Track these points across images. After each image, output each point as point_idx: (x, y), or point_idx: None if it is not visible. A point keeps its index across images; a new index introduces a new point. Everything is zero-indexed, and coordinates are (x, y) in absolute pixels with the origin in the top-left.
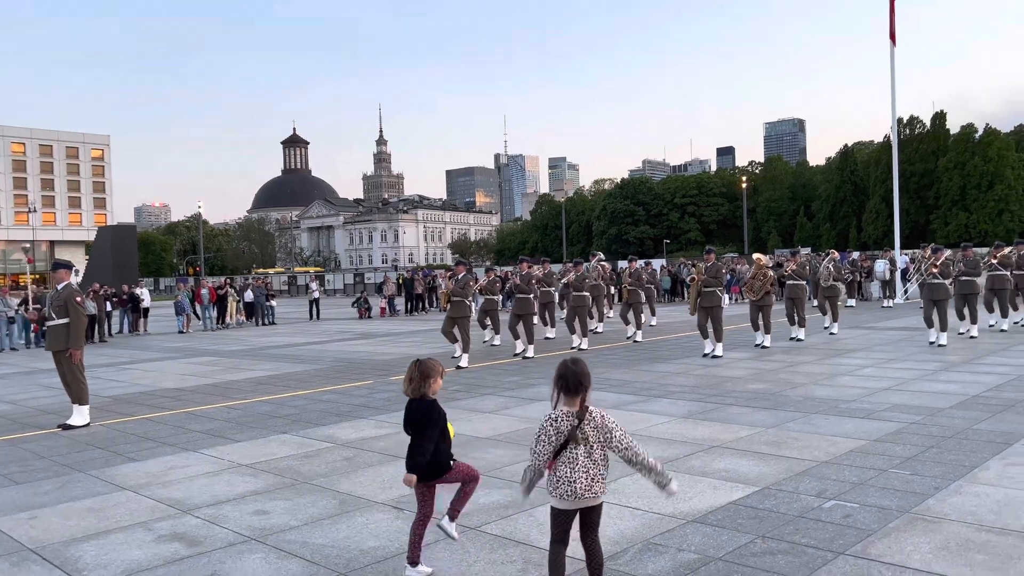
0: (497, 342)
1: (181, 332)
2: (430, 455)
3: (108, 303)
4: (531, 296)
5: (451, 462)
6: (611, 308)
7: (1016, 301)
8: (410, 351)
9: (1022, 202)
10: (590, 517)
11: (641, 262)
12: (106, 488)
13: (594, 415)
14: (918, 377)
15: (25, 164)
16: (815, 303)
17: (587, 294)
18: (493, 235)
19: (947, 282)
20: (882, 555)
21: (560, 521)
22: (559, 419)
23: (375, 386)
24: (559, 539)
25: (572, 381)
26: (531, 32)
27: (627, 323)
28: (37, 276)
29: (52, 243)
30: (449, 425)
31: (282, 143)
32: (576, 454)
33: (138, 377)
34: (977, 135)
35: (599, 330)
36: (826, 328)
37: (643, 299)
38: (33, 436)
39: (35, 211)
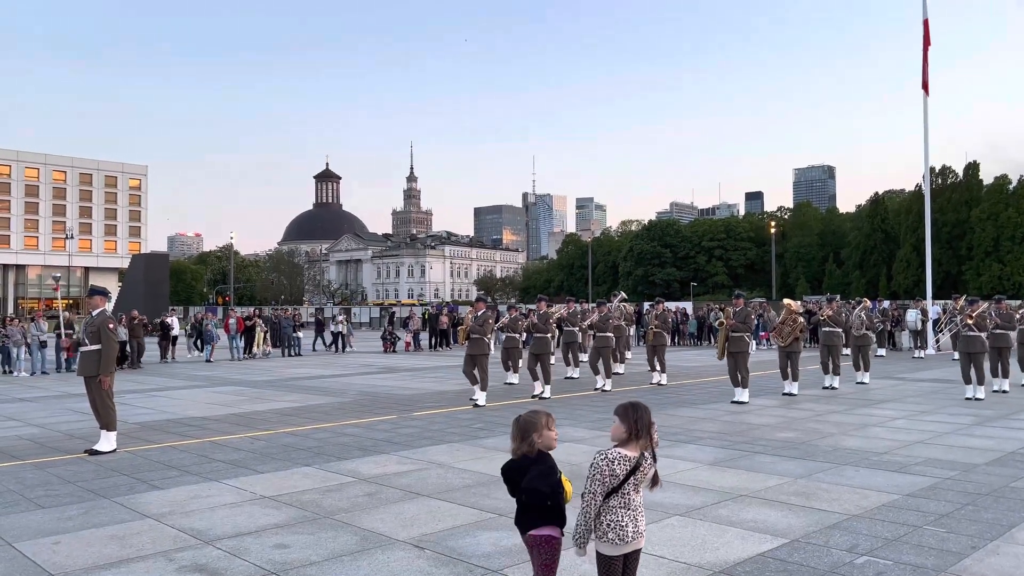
0: (515, 381)
1: (208, 361)
2: (557, 504)
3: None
4: (548, 335)
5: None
6: (630, 349)
7: None
8: (434, 387)
9: None
10: (631, 564)
11: (648, 304)
12: (129, 515)
13: (653, 462)
14: (952, 431)
15: (65, 192)
16: (848, 352)
17: (611, 335)
18: (519, 273)
19: (983, 335)
20: None
21: (609, 570)
22: (616, 461)
23: (399, 421)
24: None
25: (648, 420)
26: (563, 75)
27: (652, 368)
28: (69, 301)
29: (87, 269)
30: (565, 481)
31: (315, 177)
32: (628, 499)
33: (165, 405)
34: (1011, 186)
35: (620, 371)
36: (860, 383)
37: (667, 342)
38: (60, 460)
39: (72, 238)
